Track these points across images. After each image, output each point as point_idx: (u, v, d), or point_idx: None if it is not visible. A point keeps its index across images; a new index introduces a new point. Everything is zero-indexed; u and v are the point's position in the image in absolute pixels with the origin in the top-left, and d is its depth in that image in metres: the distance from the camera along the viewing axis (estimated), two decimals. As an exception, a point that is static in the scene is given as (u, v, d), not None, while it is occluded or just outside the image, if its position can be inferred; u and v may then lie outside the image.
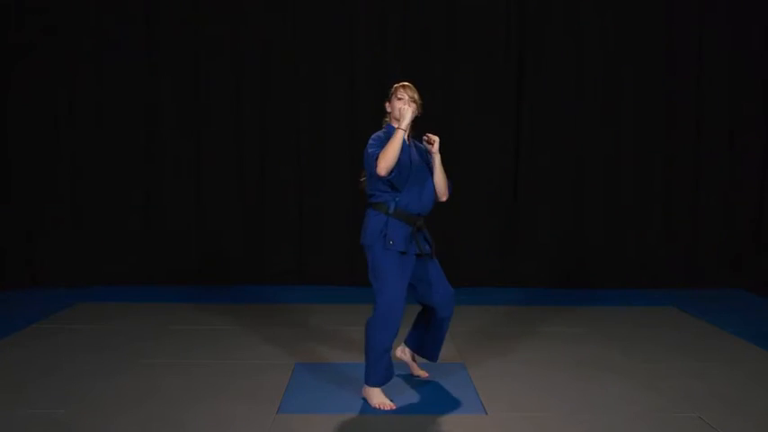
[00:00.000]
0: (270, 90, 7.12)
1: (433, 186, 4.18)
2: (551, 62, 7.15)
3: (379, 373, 4.04)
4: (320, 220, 7.21)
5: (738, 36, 7.19)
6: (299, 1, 7.08)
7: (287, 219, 7.22)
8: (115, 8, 6.98)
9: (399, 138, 3.92)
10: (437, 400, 4.18)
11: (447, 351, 5.05)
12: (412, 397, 4.22)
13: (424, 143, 4.17)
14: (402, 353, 4.60)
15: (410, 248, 4.04)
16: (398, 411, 3.97)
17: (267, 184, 7.19)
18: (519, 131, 7.21)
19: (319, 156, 7.16)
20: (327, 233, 7.19)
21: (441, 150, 4.12)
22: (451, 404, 4.11)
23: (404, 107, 4.06)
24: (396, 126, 4.03)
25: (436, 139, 4.10)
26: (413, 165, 4.09)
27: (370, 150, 4.01)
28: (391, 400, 4.04)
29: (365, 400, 4.08)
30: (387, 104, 4.22)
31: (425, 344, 4.45)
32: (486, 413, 3.96)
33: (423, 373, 4.55)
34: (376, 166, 3.90)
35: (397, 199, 4.04)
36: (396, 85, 4.21)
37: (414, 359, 4.58)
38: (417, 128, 4.22)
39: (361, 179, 4.21)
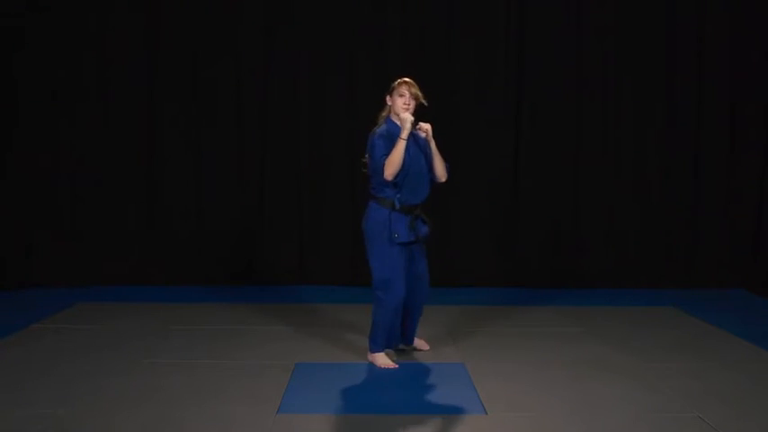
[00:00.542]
0: (270, 90, 7.12)
1: (429, 176, 4.50)
2: (551, 61, 7.15)
3: (383, 341, 4.59)
4: (320, 220, 7.21)
5: (738, 36, 7.18)
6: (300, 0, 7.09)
7: (287, 219, 7.22)
8: (115, 9, 6.98)
9: (402, 147, 4.23)
10: (437, 400, 4.18)
11: (447, 351, 5.07)
12: (412, 397, 4.22)
13: (418, 132, 4.37)
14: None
15: (410, 236, 4.42)
16: (399, 411, 3.98)
17: (267, 183, 7.19)
18: (519, 131, 7.20)
19: (319, 156, 7.16)
20: (327, 233, 7.19)
21: (440, 146, 4.41)
22: (451, 404, 4.10)
23: (404, 116, 4.24)
24: (395, 121, 4.29)
25: (428, 127, 4.37)
26: (411, 161, 4.35)
27: (377, 155, 4.31)
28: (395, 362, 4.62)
29: (371, 364, 4.63)
30: (387, 98, 4.40)
31: (405, 330, 4.88)
32: (486, 413, 3.96)
33: (424, 346, 4.99)
34: (383, 173, 4.27)
35: (399, 195, 4.37)
36: (397, 81, 4.37)
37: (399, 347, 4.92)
38: (417, 119, 4.45)
39: (363, 159, 4.51)
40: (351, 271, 7.16)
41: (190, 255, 7.16)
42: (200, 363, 4.72)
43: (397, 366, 4.61)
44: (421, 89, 4.43)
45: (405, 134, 4.21)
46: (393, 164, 4.22)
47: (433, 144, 4.38)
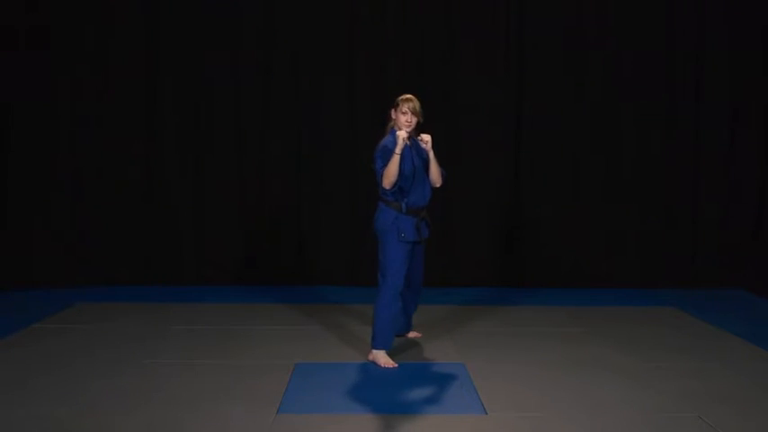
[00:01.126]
0: (270, 90, 7.12)
1: (429, 181, 4.85)
2: (551, 61, 7.15)
3: (385, 338, 4.76)
4: (320, 220, 7.20)
5: (738, 36, 7.18)
6: (299, 1, 7.09)
7: (287, 219, 7.22)
8: (115, 8, 6.98)
9: (396, 161, 4.58)
10: (437, 400, 4.18)
11: (447, 351, 5.07)
12: (412, 397, 4.22)
13: (419, 142, 4.75)
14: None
15: (416, 236, 4.76)
16: (399, 411, 3.98)
17: (267, 183, 7.19)
18: (519, 131, 7.21)
19: (319, 156, 7.16)
20: (327, 233, 7.19)
21: (440, 146, 4.79)
22: (451, 404, 4.11)
23: (398, 133, 4.60)
24: (397, 131, 4.65)
25: (428, 138, 4.70)
26: (416, 169, 4.74)
27: (377, 167, 4.70)
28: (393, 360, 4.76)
29: (373, 363, 4.75)
30: (392, 112, 4.78)
31: (405, 320, 5.24)
32: (486, 413, 3.96)
33: (416, 335, 5.35)
34: (381, 183, 4.66)
35: (406, 200, 4.74)
36: (400, 98, 4.76)
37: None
38: (421, 129, 4.81)
39: (371, 165, 4.84)
40: (351, 271, 7.16)
41: (190, 255, 7.16)
42: (200, 363, 4.72)
43: (397, 366, 4.71)
44: (422, 103, 4.75)
45: (398, 149, 4.56)
46: (389, 175, 4.59)
47: (431, 154, 4.73)
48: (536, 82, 7.18)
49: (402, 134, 4.60)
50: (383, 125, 4.95)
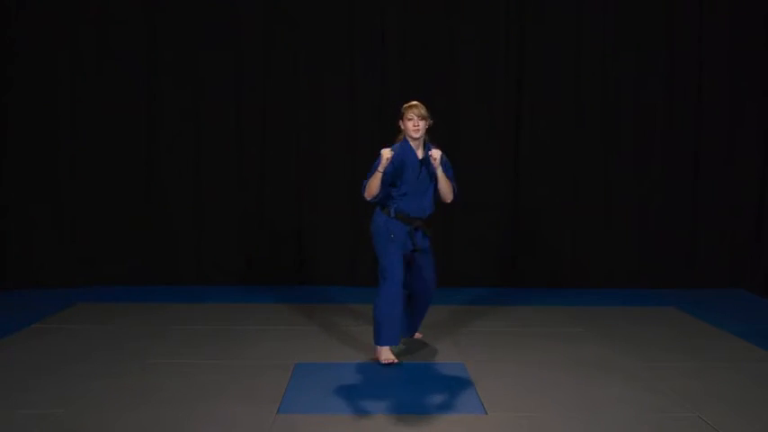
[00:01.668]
0: (270, 90, 7.12)
1: (433, 195, 4.85)
2: (551, 61, 7.15)
3: (386, 335, 4.73)
4: (320, 220, 7.20)
5: (739, 33, 7.18)
6: (299, 1, 7.09)
7: (287, 219, 7.22)
8: (115, 7, 6.98)
9: (377, 178, 4.60)
10: (437, 400, 4.18)
11: (447, 351, 5.07)
12: (412, 397, 4.22)
13: (429, 156, 4.70)
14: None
15: (407, 244, 4.77)
16: (399, 411, 3.98)
17: (267, 183, 7.19)
18: (519, 131, 7.21)
19: (319, 156, 7.16)
20: (327, 233, 7.19)
21: (440, 146, 4.77)
22: (451, 404, 4.11)
23: (383, 151, 4.57)
24: (409, 143, 4.72)
25: (437, 155, 4.66)
26: (421, 173, 4.73)
27: (368, 175, 4.69)
28: (397, 356, 4.79)
29: (371, 363, 4.74)
30: (399, 123, 4.79)
31: (411, 324, 5.19)
32: (486, 413, 3.96)
33: (417, 335, 5.28)
34: (363, 192, 4.71)
35: (396, 205, 4.74)
36: (405, 106, 4.76)
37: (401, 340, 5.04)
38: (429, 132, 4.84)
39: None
40: (351, 271, 7.16)
41: (190, 255, 7.16)
42: (200, 363, 4.72)
43: (398, 361, 4.74)
44: (427, 107, 4.76)
45: (381, 167, 4.56)
46: (369, 189, 4.66)
47: (439, 171, 4.71)
48: (536, 82, 7.18)
49: (386, 153, 4.58)
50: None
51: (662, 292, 7.06)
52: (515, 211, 7.26)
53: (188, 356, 4.86)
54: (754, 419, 3.89)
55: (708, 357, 5.00)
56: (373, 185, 4.64)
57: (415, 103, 4.76)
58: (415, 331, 5.30)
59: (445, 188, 4.81)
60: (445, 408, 4.05)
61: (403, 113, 4.75)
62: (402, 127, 4.78)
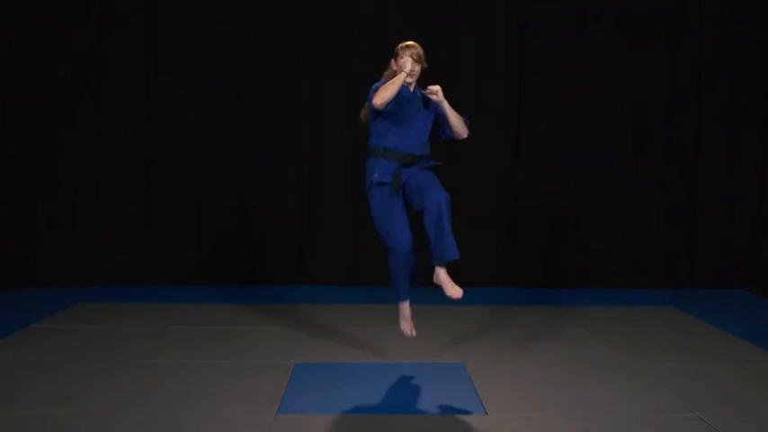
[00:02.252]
0: (270, 89, 7.12)
1: (425, 128, 4.46)
2: (551, 61, 7.15)
3: (401, 290, 4.58)
4: (320, 220, 7.20)
5: (738, 33, 7.18)
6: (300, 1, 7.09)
7: (287, 219, 7.22)
8: (115, 7, 6.98)
9: (399, 80, 4.19)
10: (437, 400, 4.18)
11: (447, 351, 5.07)
12: (412, 397, 4.22)
13: (428, 95, 4.37)
14: (435, 277, 4.52)
15: (397, 181, 4.34)
16: (399, 411, 3.97)
17: (267, 183, 7.19)
18: (519, 130, 7.21)
19: (319, 155, 7.16)
20: (327, 233, 7.19)
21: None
22: (451, 404, 4.10)
23: (403, 60, 4.28)
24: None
25: (437, 88, 4.30)
26: (406, 102, 4.33)
27: (373, 86, 4.30)
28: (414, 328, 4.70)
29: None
30: (392, 62, 4.44)
31: (439, 248, 4.47)
32: (486, 413, 3.96)
33: (456, 292, 4.49)
34: (372, 98, 4.22)
35: (384, 139, 4.37)
36: (401, 45, 4.40)
37: (442, 276, 4.51)
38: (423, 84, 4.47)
39: (360, 114, 4.59)
40: (351, 271, 7.16)
41: (190, 255, 7.16)
42: (200, 363, 4.72)
43: (415, 335, 4.68)
44: (424, 49, 4.42)
45: (407, 68, 4.24)
46: (385, 90, 4.17)
47: (445, 104, 4.35)
48: (536, 82, 7.18)
49: (408, 59, 4.25)
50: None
51: (662, 292, 7.06)
52: (515, 211, 7.26)
53: (188, 356, 4.86)
54: (754, 419, 3.89)
55: (708, 357, 4.99)
56: (392, 88, 4.17)
57: (412, 42, 4.39)
58: (442, 256, 4.48)
59: (458, 123, 4.43)
60: (445, 408, 4.05)
61: (397, 53, 4.38)
62: (394, 67, 4.41)
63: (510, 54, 7.18)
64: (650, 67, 7.20)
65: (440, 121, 4.51)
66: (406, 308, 4.67)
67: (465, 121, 4.49)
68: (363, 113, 4.57)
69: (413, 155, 4.40)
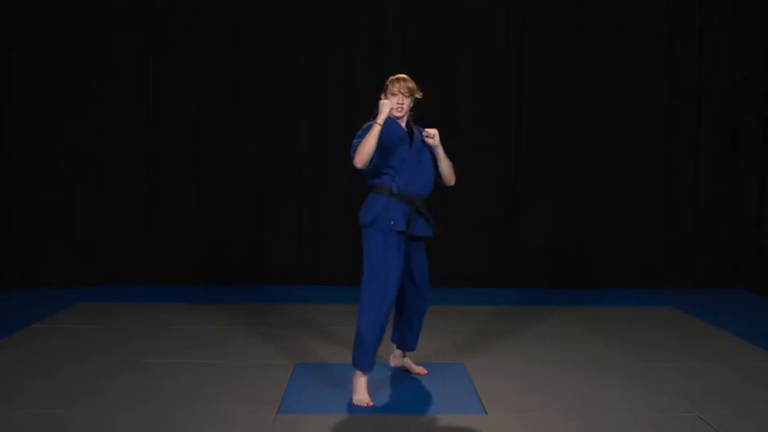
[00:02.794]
0: (270, 90, 7.12)
1: (432, 168, 4.25)
2: (551, 62, 7.15)
3: (364, 357, 4.10)
4: (320, 220, 7.21)
5: (738, 36, 7.19)
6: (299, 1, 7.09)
7: (287, 219, 7.22)
8: (115, 6, 6.98)
9: (375, 133, 3.96)
10: (437, 400, 4.18)
11: (447, 351, 5.07)
12: (412, 397, 4.22)
13: (424, 137, 4.21)
14: (393, 358, 4.66)
15: (409, 228, 4.11)
16: (399, 411, 3.98)
17: (267, 183, 7.19)
18: (519, 130, 7.21)
19: (319, 155, 7.16)
20: (327, 233, 7.19)
21: (443, 145, 4.25)
22: (451, 404, 4.11)
23: (381, 101, 4.06)
24: (392, 117, 4.09)
25: (435, 132, 4.17)
26: (412, 143, 4.16)
27: (354, 141, 4.09)
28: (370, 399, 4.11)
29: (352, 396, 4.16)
30: (382, 96, 4.20)
31: (404, 335, 4.50)
32: (486, 413, 3.96)
33: (421, 370, 4.59)
34: (353, 159, 4.03)
35: (396, 179, 4.12)
36: (390, 78, 4.21)
37: (404, 356, 4.63)
38: (421, 119, 4.33)
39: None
40: (351, 271, 7.15)
41: (190, 255, 7.16)
42: (200, 363, 4.72)
43: (371, 404, 4.06)
44: (418, 86, 4.25)
45: (380, 119, 3.97)
46: (363, 150, 3.97)
47: (440, 150, 4.20)
48: (536, 82, 7.18)
49: (386, 102, 4.02)
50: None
51: (662, 292, 7.06)
52: (515, 211, 7.26)
53: (188, 356, 4.86)
54: (754, 419, 3.89)
55: (708, 357, 4.99)
56: (369, 144, 3.94)
57: (402, 75, 4.17)
58: (413, 346, 4.56)
59: (448, 170, 4.26)
60: (445, 408, 4.05)
61: (387, 86, 4.16)
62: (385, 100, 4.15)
63: (510, 54, 7.18)
64: (650, 66, 7.20)
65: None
66: (361, 379, 4.14)
67: (453, 167, 4.31)
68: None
69: (422, 197, 4.21)
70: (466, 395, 4.23)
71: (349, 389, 4.24)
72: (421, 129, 4.27)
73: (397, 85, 4.13)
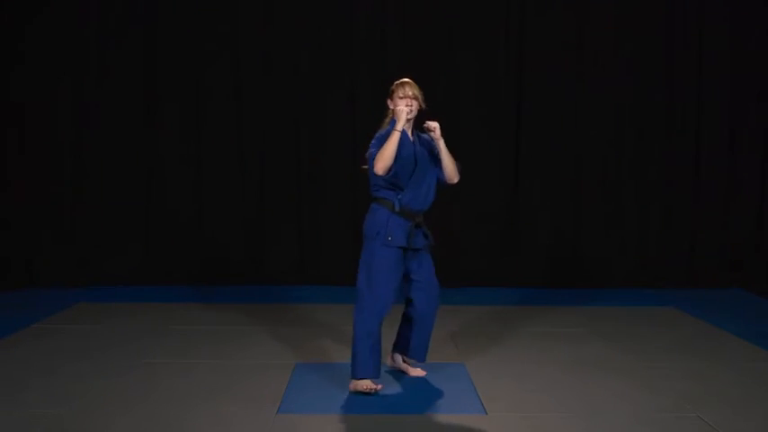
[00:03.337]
0: (270, 90, 7.12)
1: (433, 183, 4.28)
2: (551, 62, 7.15)
3: (365, 365, 4.17)
4: (320, 220, 7.21)
5: (738, 36, 7.19)
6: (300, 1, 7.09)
7: (287, 219, 7.22)
8: (115, 8, 6.98)
9: (395, 139, 4.02)
10: (437, 400, 4.18)
11: (447, 351, 5.06)
12: (412, 397, 4.22)
13: (426, 131, 4.22)
14: (392, 360, 4.66)
15: (409, 243, 4.17)
16: (399, 411, 3.98)
17: (267, 183, 7.19)
18: (519, 130, 7.21)
19: (320, 155, 7.16)
20: (327, 233, 7.19)
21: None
22: (451, 404, 4.11)
23: (398, 108, 4.12)
24: (397, 108, 4.13)
25: (436, 125, 4.16)
26: (418, 162, 4.18)
27: (370, 150, 4.13)
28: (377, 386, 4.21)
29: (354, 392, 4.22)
30: (388, 101, 4.28)
31: (412, 344, 4.50)
32: (486, 413, 3.96)
33: (419, 372, 4.58)
34: (374, 167, 4.04)
35: (400, 197, 4.16)
36: (396, 83, 4.26)
37: (404, 361, 4.62)
38: (421, 121, 4.26)
39: (363, 166, 4.32)
40: (351, 271, 7.11)
41: (190, 255, 7.16)
42: (200, 363, 4.72)
43: (381, 387, 4.21)
44: (421, 89, 4.29)
45: (399, 125, 4.04)
46: (384, 156, 3.99)
47: (441, 143, 4.17)
48: (536, 82, 7.18)
49: (403, 108, 4.07)
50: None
51: (662, 292, 7.06)
52: (515, 211, 7.26)
53: (188, 356, 4.86)
54: (754, 419, 3.89)
55: (708, 357, 4.99)
56: (389, 150, 3.97)
57: (407, 80, 4.23)
58: (423, 354, 4.53)
59: (450, 166, 4.23)
60: (445, 408, 4.05)
61: (393, 91, 4.21)
62: (391, 106, 4.24)
63: (510, 54, 7.18)
64: (650, 66, 7.20)
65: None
66: (366, 383, 4.20)
67: (458, 166, 4.30)
68: (367, 167, 4.24)
69: (422, 213, 4.26)
70: (466, 395, 4.23)
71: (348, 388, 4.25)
72: (423, 135, 4.28)
73: (402, 89, 4.19)
